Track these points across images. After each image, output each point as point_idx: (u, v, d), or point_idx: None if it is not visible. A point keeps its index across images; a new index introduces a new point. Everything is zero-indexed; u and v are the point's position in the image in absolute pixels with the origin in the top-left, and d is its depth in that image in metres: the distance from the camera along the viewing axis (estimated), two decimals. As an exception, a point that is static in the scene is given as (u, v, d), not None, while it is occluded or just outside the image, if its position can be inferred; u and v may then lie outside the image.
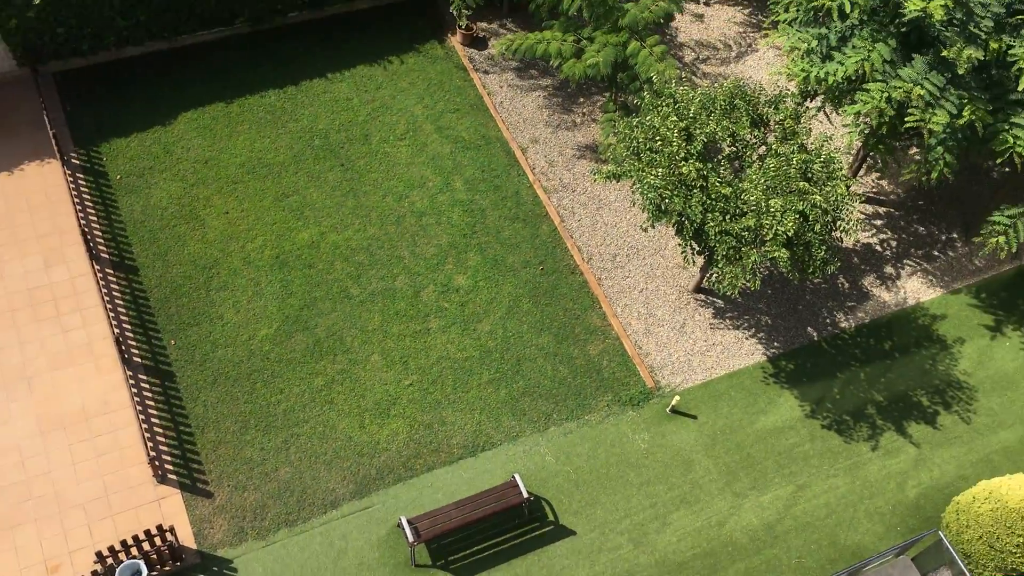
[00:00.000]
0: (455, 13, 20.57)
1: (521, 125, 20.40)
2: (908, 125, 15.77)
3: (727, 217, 15.36)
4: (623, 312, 18.01)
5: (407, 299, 17.69)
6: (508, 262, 18.35)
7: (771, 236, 14.95)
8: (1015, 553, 14.46)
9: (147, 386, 16.26)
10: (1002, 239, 16.75)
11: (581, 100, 21.00)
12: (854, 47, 16.01)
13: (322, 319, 17.29)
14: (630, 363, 17.39)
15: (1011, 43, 15.55)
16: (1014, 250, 18.08)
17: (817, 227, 15.15)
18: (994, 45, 15.51)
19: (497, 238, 18.64)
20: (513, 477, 15.41)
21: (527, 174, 19.59)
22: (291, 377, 16.61)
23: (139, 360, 16.50)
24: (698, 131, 15.64)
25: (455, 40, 21.56)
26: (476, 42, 21.65)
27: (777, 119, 16.30)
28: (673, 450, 16.56)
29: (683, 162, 15.46)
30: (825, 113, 18.31)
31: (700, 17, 22.88)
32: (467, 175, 19.42)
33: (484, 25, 21.99)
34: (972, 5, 15.35)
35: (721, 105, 16.11)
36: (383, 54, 21.12)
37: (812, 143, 16.23)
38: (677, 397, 16.67)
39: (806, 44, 16.61)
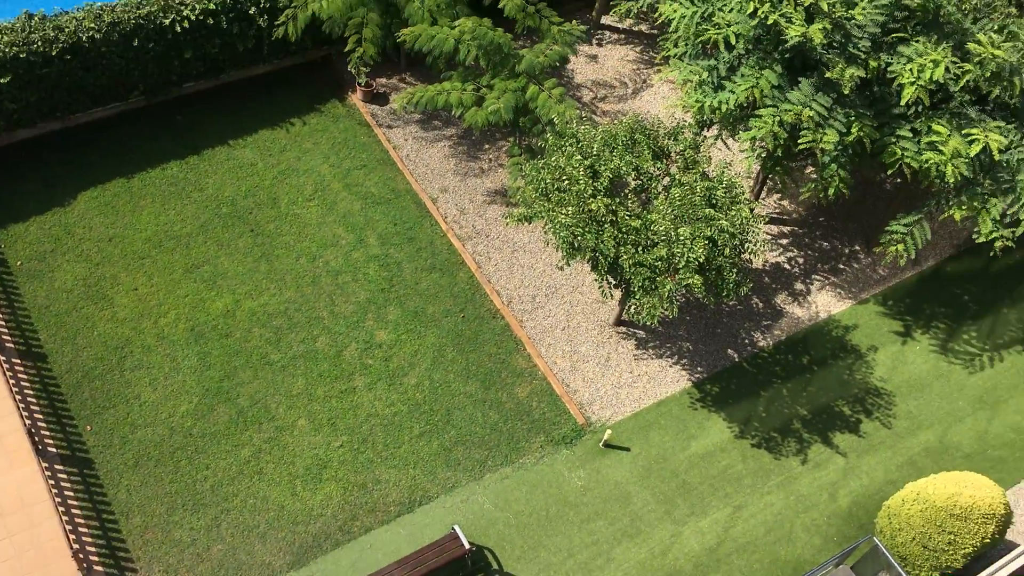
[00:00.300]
0: (353, 71, 20.66)
1: (429, 176, 20.50)
2: (801, 146, 16.36)
3: (639, 249, 15.64)
4: (548, 352, 18.10)
5: (330, 359, 17.47)
6: (429, 313, 18.30)
7: (683, 264, 15.26)
8: (947, 551, 14.85)
9: (65, 476, 15.62)
10: (901, 247, 17.42)
11: (486, 147, 21.24)
12: (743, 75, 16.60)
13: (244, 388, 16.93)
14: (559, 402, 17.45)
15: (889, 60, 16.34)
16: (913, 256, 18.80)
17: (726, 251, 15.53)
18: (873, 64, 16.26)
19: (415, 290, 18.60)
20: (453, 529, 15.23)
21: (440, 224, 19.65)
22: (216, 451, 16.18)
23: (54, 450, 15.87)
24: (603, 167, 15.95)
25: (356, 98, 21.63)
26: (377, 98, 21.75)
27: (678, 150, 16.74)
28: (610, 484, 16.61)
29: (591, 199, 15.72)
30: (723, 141, 18.88)
31: (594, 57, 23.45)
32: (380, 230, 19.38)
33: (383, 81, 22.13)
34: (849, 27, 16.10)
35: (623, 141, 16.48)
36: (285, 116, 21.04)
37: (713, 170, 16.70)
38: (609, 431, 16.76)
39: (698, 76, 17.16)
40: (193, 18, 19.23)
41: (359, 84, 21.29)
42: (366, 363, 17.50)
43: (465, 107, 18.67)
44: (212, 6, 19.32)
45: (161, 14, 19.00)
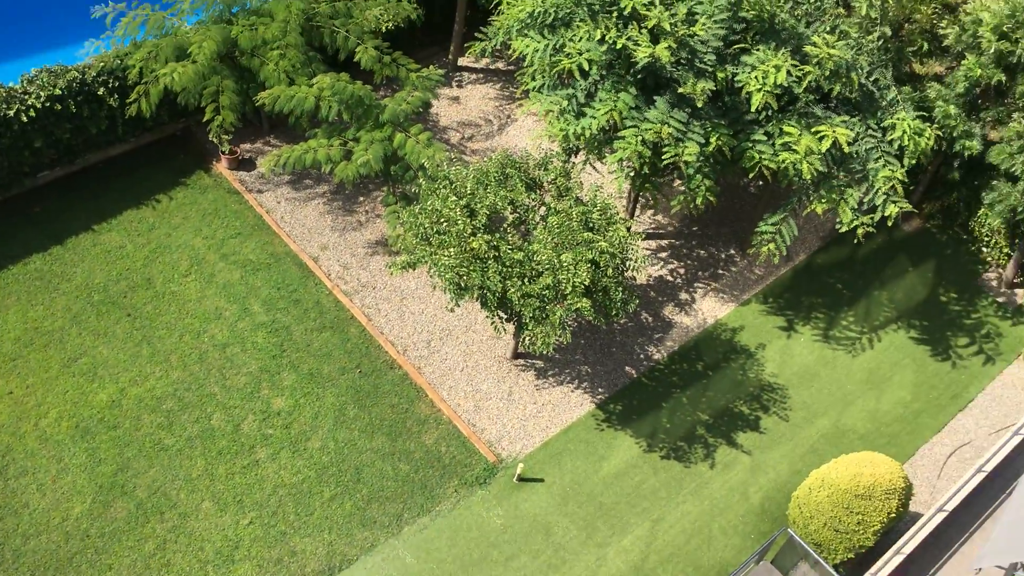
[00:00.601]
0: (215, 140, 20.31)
1: (307, 235, 20.25)
2: (666, 161, 16.90)
3: (525, 280, 15.81)
4: (450, 394, 18.02)
5: (228, 435, 16.94)
6: (325, 373, 17.99)
7: (570, 289, 15.49)
8: (857, 531, 15.37)
9: (-45, 602, 14.62)
10: (772, 246, 18.12)
11: (361, 199, 21.15)
12: (601, 100, 17.07)
13: (140, 479, 16.24)
14: (468, 443, 17.36)
15: (735, 71, 17.09)
16: (784, 253, 19.56)
17: (609, 271, 15.85)
18: (721, 75, 16.98)
19: (308, 352, 18.27)
20: (377, 589, 14.90)
21: (324, 282, 19.40)
22: (118, 550, 15.43)
23: (-60, 576, 14.85)
24: (479, 205, 16.09)
25: (221, 166, 21.24)
26: (243, 164, 21.42)
27: (549, 179, 17.04)
28: (529, 518, 16.58)
29: (472, 238, 15.82)
30: (592, 165, 19.31)
31: (456, 99, 23.71)
32: (263, 296, 19.00)
33: (248, 146, 21.82)
34: (693, 44, 16.77)
35: (495, 177, 16.67)
36: (149, 194, 20.47)
37: (586, 195, 17.05)
38: (521, 465, 16.75)
39: (558, 106, 17.55)
40: (39, 106, 18.58)
41: (223, 152, 20.93)
42: (266, 433, 17.05)
43: (334, 162, 18.58)
44: (58, 91, 18.72)
45: (4, 105, 18.29)
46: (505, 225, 16.63)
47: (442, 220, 16.15)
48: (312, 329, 18.62)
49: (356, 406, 17.62)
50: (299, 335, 18.50)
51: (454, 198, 16.15)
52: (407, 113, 18.99)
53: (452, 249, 15.74)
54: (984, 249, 21.63)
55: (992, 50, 18.12)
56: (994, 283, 21.32)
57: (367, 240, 20.35)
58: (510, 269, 15.79)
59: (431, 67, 20.23)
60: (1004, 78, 18.43)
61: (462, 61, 24.69)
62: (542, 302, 15.69)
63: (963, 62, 18.67)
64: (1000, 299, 21.00)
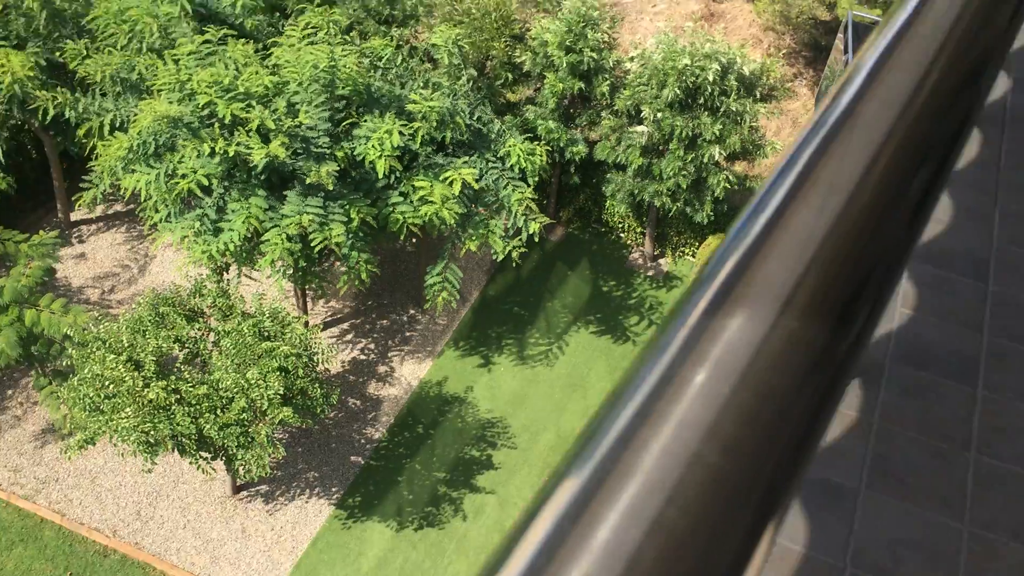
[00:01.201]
0: None
1: (-42, 453, 17.87)
2: (317, 248, 16.91)
3: (218, 412, 15.05)
4: (179, 557, 16.65)
5: None
6: (30, 593, 15.91)
7: (267, 404, 14.97)
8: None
9: None
10: (445, 294, 18.74)
11: (10, 392, 19.04)
12: (233, 211, 16.76)
13: None
14: (217, 599, 16.14)
15: (352, 146, 17.53)
16: (458, 297, 20.29)
17: (300, 372, 15.53)
18: (340, 154, 17.34)
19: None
20: None
21: (-4, 495, 17.21)
22: None
23: None
24: (142, 355, 15.11)
25: None
26: None
27: (209, 305, 16.40)
28: (307, 646, 15.72)
29: (146, 389, 14.80)
30: (247, 275, 18.87)
31: (83, 255, 22.16)
32: (-74, 538, 16.46)
33: None
34: (304, 132, 16.99)
35: (150, 320, 15.75)
36: None
37: (251, 306, 16.62)
38: (279, 597, 15.86)
39: (191, 229, 16.98)
40: None
41: None
42: None
43: (-37, 365, 16.59)
44: None
45: None
46: (178, 364, 15.74)
47: (107, 383, 14.95)
48: (1, 550, 16.42)
49: (79, 612, 15.76)
50: (-14, 563, 16.25)
51: (113, 356, 15.03)
52: (30, 287, 17.42)
53: (128, 409, 14.62)
54: (622, 235, 23.87)
55: (564, 64, 20.13)
56: (640, 261, 23.58)
57: (31, 432, 18.35)
58: (198, 406, 14.96)
59: (41, 232, 18.74)
60: (583, 85, 20.54)
61: (75, 216, 23.11)
62: (243, 427, 15.01)
63: (545, 81, 20.57)
64: (650, 273, 23.25)
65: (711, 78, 19.00)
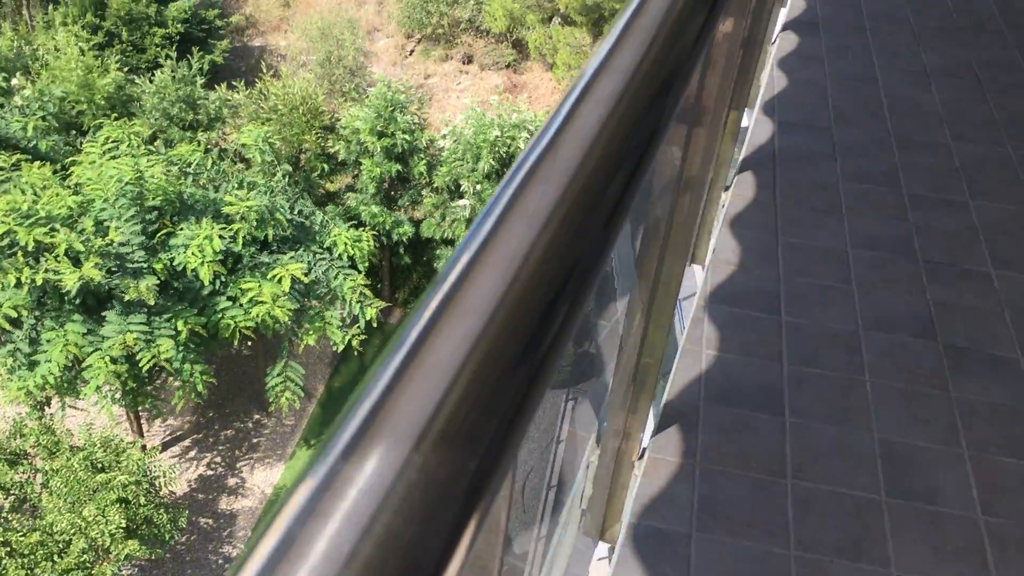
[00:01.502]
0: None
1: None
2: (146, 367, 16.14)
3: (56, 557, 13.95)
4: None
5: None
6: None
7: (109, 540, 14.02)
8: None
9: None
10: (288, 394, 18.22)
11: None
12: (48, 341, 15.81)
13: None
14: None
15: (171, 256, 16.96)
16: (302, 395, 19.81)
17: (142, 499, 14.66)
18: (159, 266, 16.74)
19: None
20: None
21: None
22: None
23: None
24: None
25: None
26: None
27: (32, 444, 15.31)
28: None
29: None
30: (72, 407, 17.75)
31: None
32: None
33: None
34: (116, 249, 16.32)
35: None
36: None
37: (80, 439, 15.64)
38: None
39: (4, 366, 15.88)
40: None
41: None
42: None
43: None
44: None
45: None
46: (4, 514, 14.54)
47: (-76, 548, 13.64)
48: None
49: None
50: None
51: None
52: None
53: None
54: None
55: (378, 149, 20.32)
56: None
57: None
58: (32, 556, 13.82)
59: None
60: (400, 167, 20.77)
61: None
62: (85, 570, 13.97)
63: (362, 167, 20.68)
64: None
65: (522, 146, 19.64)
